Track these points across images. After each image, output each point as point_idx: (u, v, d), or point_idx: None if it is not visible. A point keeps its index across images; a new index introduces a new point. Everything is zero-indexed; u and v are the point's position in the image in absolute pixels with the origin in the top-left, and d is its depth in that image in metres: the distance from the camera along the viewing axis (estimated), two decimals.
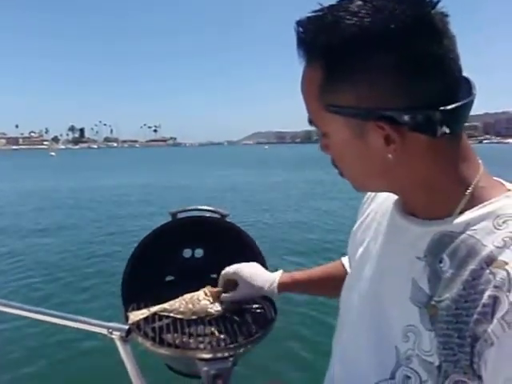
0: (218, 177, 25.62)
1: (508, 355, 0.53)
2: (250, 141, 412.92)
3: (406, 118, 0.59)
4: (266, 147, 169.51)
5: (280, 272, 1.18)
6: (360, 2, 0.59)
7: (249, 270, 1.17)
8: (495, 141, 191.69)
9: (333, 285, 1.10)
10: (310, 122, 0.71)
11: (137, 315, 1.15)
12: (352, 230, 0.93)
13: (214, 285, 1.24)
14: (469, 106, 0.63)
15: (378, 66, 0.59)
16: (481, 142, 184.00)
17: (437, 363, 0.62)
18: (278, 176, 25.62)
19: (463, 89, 0.63)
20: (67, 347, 4.15)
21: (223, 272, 1.19)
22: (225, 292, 1.20)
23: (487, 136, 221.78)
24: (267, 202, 14.55)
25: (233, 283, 1.18)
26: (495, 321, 0.54)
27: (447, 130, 0.60)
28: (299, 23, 0.64)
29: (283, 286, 1.16)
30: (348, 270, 1.06)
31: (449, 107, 0.59)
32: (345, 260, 1.12)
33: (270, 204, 14.18)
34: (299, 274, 1.19)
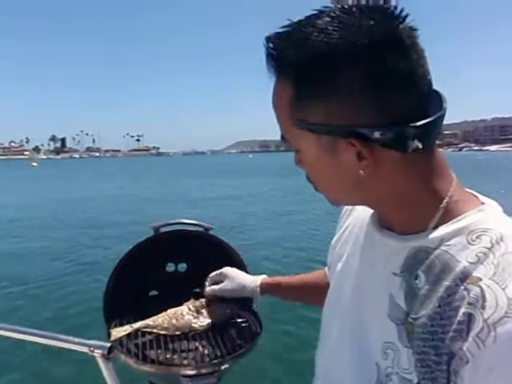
0: (205, 186, 25.44)
1: (483, 373, 0.53)
2: (234, 150, 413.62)
3: (377, 134, 0.59)
4: (251, 156, 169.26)
5: (264, 276, 1.23)
6: (328, 19, 0.59)
7: (233, 270, 1.23)
8: (475, 148, 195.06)
9: (314, 292, 1.13)
10: (283, 137, 0.70)
11: (119, 332, 1.13)
12: (331, 244, 0.93)
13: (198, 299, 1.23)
14: (440, 120, 0.63)
15: (346, 82, 0.58)
16: (461, 149, 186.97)
17: (415, 381, 0.61)
18: (263, 185, 25.60)
19: (434, 103, 0.63)
20: (47, 367, 4.01)
21: (210, 275, 1.24)
22: (208, 305, 1.19)
23: (467, 143, 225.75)
24: (253, 213, 14.52)
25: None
26: (470, 339, 0.54)
27: (419, 145, 0.60)
28: (268, 39, 0.63)
29: (265, 287, 1.19)
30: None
31: (419, 123, 0.59)
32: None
33: (256, 215, 14.15)
34: (283, 279, 1.23)
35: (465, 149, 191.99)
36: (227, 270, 1.22)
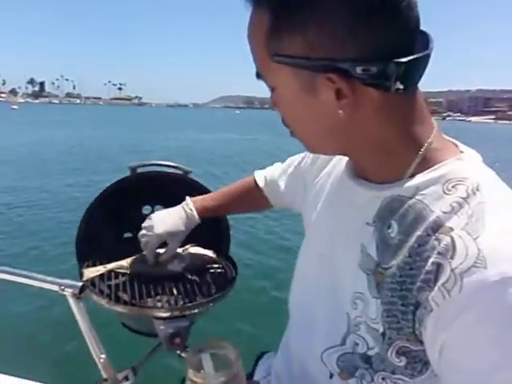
0: (193, 141, 24.87)
1: (445, 323, 0.52)
2: (217, 104, 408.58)
3: (359, 70, 0.55)
4: (238, 112, 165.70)
5: (189, 201, 1.14)
6: None
7: (157, 216, 1.13)
8: (458, 118, 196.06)
9: (248, 202, 1.18)
10: (258, 75, 0.65)
11: (92, 272, 1.11)
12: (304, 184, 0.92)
13: None
14: (424, 60, 0.59)
15: (328, 11, 0.54)
16: (444, 118, 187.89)
17: (381, 330, 0.62)
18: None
19: (420, 43, 0.59)
20: (16, 305, 3.88)
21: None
22: (184, 249, 1.17)
23: (450, 113, 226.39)
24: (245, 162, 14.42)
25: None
26: (436, 288, 0.53)
27: (401, 86, 0.56)
28: None
29: (202, 211, 1.13)
30: (261, 184, 1.10)
31: (404, 59, 0.55)
32: (258, 174, 1.13)
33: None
34: (205, 201, 1.15)
35: (448, 118, 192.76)
36: (154, 216, 1.13)
